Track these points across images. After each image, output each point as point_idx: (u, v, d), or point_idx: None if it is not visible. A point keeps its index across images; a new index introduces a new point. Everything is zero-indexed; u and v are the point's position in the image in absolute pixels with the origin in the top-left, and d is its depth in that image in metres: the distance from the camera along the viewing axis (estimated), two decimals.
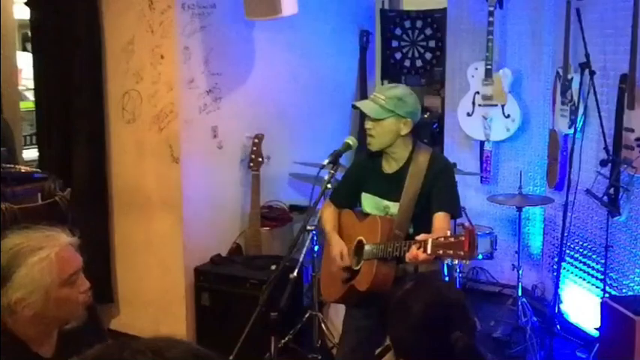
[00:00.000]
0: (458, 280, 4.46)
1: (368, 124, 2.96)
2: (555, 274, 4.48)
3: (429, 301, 1.73)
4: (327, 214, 3.21)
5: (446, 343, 1.65)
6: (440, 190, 2.92)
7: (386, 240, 2.87)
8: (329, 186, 3.02)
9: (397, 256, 2.79)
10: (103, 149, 4.51)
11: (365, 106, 2.98)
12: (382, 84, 6.27)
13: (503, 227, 5.12)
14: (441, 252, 2.54)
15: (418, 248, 2.60)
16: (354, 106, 3.06)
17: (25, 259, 1.92)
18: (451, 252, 2.51)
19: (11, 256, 1.92)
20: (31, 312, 1.92)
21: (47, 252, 1.94)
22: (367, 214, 3.08)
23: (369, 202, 3.08)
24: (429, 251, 2.56)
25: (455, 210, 2.94)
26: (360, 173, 3.12)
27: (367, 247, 2.96)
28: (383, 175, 3.05)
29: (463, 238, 2.45)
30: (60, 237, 2.01)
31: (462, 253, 2.46)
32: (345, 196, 3.18)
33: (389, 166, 3.04)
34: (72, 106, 4.49)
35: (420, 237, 2.64)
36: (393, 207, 2.99)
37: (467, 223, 2.52)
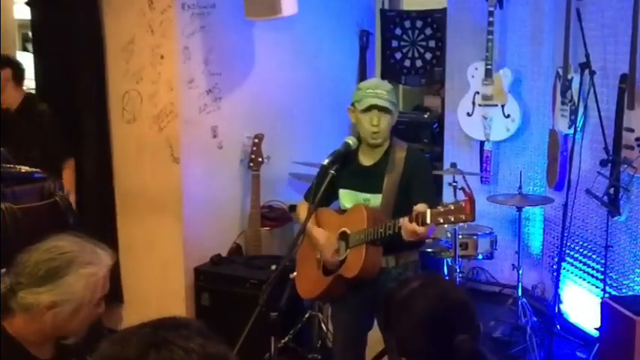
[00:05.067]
0: (458, 279, 4.46)
1: (374, 120, 3.00)
2: (555, 274, 4.48)
3: (434, 302, 1.71)
4: (304, 211, 3.25)
5: (449, 346, 1.63)
6: (419, 182, 3.05)
7: (373, 225, 2.93)
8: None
9: (391, 234, 2.83)
10: (106, 149, 4.50)
11: (382, 102, 3.01)
12: None
13: (503, 227, 5.12)
14: (441, 220, 2.65)
15: (414, 221, 2.68)
16: (376, 107, 3.01)
17: (77, 268, 1.92)
18: (452, 218, 2.62)
19: (66, 260, 1.93)
20: (52, 320, 1.92)
21: (97, 269, 1.96)
22: (345, 210, 3.13)
23: (347, 198, 3.13)
24: (428, 221, 2.67)
25: (433, 201, 3.02)
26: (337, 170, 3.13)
27: (354, 235, 3.00)
28: (361, 168, 3.11)
29: (463, 203, 2.58)
30: (105, 257, 2.02)
31: (463, 216, 2.59)
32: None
33: (367, 160, 3.11)
34: (72, 107, 4.49)
35: (416, 210, 2.71)
36: (373, 199, 3.06)
37: (466, 188, 2.64)
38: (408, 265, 3.10)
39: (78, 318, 1.95)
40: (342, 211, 3.16)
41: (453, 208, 2.62)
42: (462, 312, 1.71)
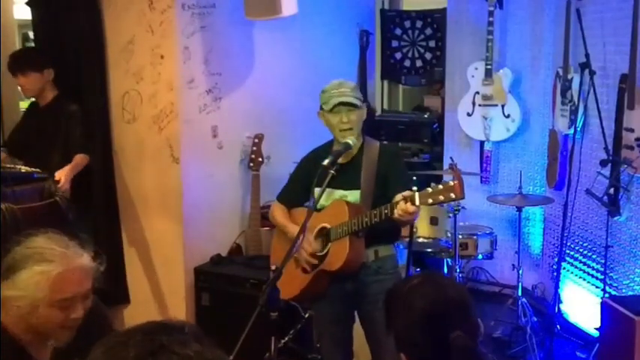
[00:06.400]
0: (457, 279, 4.46)
1: (344, 118, 3.07)
2: (555, 274, 4.48)
3: (430, 298, 1.72)
4: (279, 211, 3.33)
5: (445, 342, 1.64)
6: (396, 173, 3.11)
7: (355, 217, 2.96)
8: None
9: (377, 221, 2.87)
10: (108, 149, 4.50)
11: (348, 99, 3.08)
12: (382, 84, 6.29)
13: (503, 227, 5.12)
14: (430, 200, 2.70)
15: (406, 203, 2.73)
16: (343, 103, 3.07)
17: (32, 264, 1.92)
18: (442, 197, 2.68)
19: (26, 255, 1.93)
20: (18, 313, 1.92)
21: (51, 268, 1.92)
22: (321, 208, 3.14)
23: (323, 195, 3.12)
24: (417, 202, 2.72)
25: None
26: (310, 170, 3.16)
27: (336, 228, 3.04)
28: (336, 165, 3.10)
29: (452, 183, 2.65)
30: (77, 258, 1.98)
31: (453, 195, 2.65)
32: (295, 195, 3.30)
33: (342, 157, 3.12)
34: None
35: (404, 194, 2.76)
36: (350, 195, 3.09)
37: (455, 167, 2.69)
38: (385, 258, 3.16)
39: (38, 317, 1.92)
40: (317, 210, 3.15)
41: (441, 188, 2.67)
42: (458, 309, 1.72)
